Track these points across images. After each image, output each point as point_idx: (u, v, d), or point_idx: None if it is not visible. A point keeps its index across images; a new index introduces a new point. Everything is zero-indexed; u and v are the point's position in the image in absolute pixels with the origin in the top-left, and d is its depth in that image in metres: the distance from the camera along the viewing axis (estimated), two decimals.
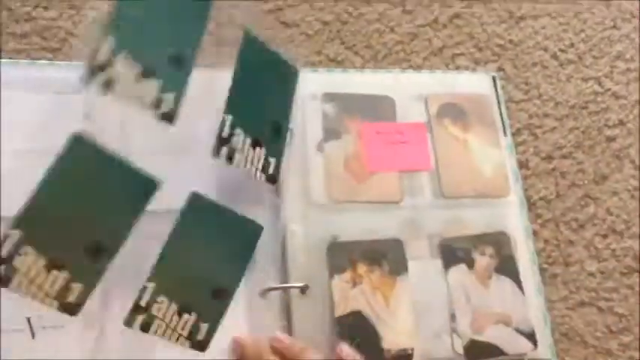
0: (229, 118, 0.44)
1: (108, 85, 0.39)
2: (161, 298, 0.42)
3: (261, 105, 0.47)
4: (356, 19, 0.60)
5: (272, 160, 0.47)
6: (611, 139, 0.61)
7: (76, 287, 0.40)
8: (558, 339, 0.53)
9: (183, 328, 0.42)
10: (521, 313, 0.51)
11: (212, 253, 0.44)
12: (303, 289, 0.47)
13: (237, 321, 0.45)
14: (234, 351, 0.45)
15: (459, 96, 0.57)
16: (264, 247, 0.48)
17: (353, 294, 0.48)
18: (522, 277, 0.52)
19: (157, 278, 0.42)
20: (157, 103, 0.41)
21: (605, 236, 0.58)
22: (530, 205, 0.57)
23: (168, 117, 0.41)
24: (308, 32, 0.58)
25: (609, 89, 0.63)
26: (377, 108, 0.55)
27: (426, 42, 0.61)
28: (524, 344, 0.51)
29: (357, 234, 0.50)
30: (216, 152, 0.43)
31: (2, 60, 0.50)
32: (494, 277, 0.52)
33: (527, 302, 0.52)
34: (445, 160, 0.54)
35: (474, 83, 0.59)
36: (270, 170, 0.47)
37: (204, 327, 0.43)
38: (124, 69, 0.40)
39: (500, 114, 0.58)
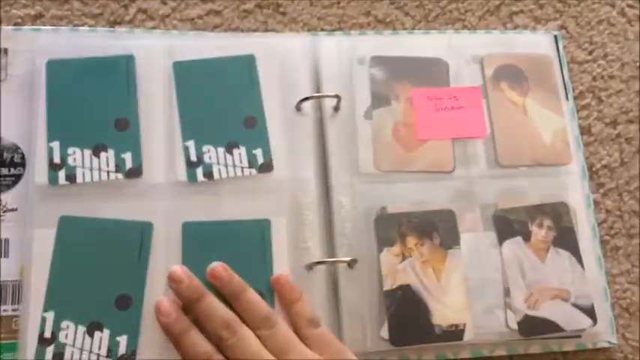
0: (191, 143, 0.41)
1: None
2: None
3: (218, 111, 0.42)
4: None
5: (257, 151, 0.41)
6: None
7: (122, 339, 0.37)
8: (619, 314, 0.46)
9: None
10: (580, 288, 0.44)
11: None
12: (351, 263, 0.42)
13: None
14: (170, 284, 0.38)
15: (518, 57, 0.48)
16: (310, 218, 0.42)
17: (402, 267, 0.42)
18: (582, 251, 0.45)
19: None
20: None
21: None
22: (592, 173, 0.49)
23: None
24: None
25: None
26: (428, 72, 0.47)
27: None
28: (583, 320, 0.43)
29: (407, 205, 0.44)
30: (193, 176, 0.40)
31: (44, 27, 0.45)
32: (551, 251, 0.45)
33: (586, 276, 0.44)
34: (502, 127, 0.46)
35: (533, 43, 0.50)
36: (260, 161, 0.41)
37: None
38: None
39: (562, 76, 0.49)
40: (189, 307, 0.38)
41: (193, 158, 0.41)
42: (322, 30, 0.49)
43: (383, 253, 0.42)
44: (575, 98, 0.50)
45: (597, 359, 0.45)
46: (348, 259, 0.42)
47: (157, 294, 0.39)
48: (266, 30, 0.48)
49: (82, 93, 0.41)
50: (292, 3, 0.49)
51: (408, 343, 0.41)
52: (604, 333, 0.45)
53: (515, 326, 0.43)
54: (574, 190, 0.47)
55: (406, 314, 0.42)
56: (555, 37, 0.50)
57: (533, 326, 0.43)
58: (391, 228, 0.43)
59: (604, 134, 0.50)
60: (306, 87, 0.45)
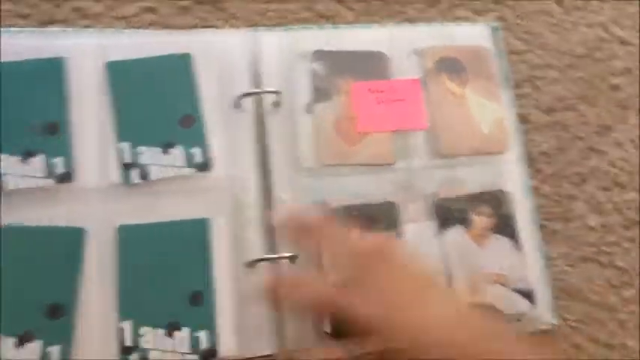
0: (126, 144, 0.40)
1: None
2: None
3: (153, 111, 0.41)
4: None
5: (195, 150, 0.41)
6: (616, 88, 0.52)
7: (54, 349, 0.36)
8: (558, 296, 0.47)
9: (182, 346, 0.37)
10: (519, 272, 0.45)
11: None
12: (293, 259, 0.41)
13: (223, 294, 0.39)
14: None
15: (457, 49, 0.48)
16: (251, 215, 0.42)
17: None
18: (521, 236, 0.45)
19: None
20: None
21: (607, 189, 0.50)
22: (531, 160, 0.49)
23: None
24: None
25: (616, 35, 0.54)
26: (369, 65, 0.46)
27: None
28: (522, 303, 0.44)
29: (349, 199, 0.43)
30: (127, 178, 0.39)
31: None
32: (491, 237, 0.45)
33: (525, 261, 0.45)
34: (441, 118, 0.46)
35: (472, 35, 0.50)
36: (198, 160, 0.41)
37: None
38: None
39: (501, 67, 0.50)
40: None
41: (128, 160, 0.40)
42: (263, 25, 0.48)
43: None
44: (513, 87, 0.50)
45: (537, 340, 0.46)
46: (288, 254, 0.41)
47: (91, 302, 0.38)
48: (205, 27, 0.47)
49: (10, 97, 0.39)
50: None
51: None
52: (544, 315, 0.46)
53: None
54: (512, 178, 0.47)
55: None
56: (494, 28, 0.50)
57: None
58: None
59: (541, 121, 0.51)
60: (245, 83, 0.44)
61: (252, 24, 0.47)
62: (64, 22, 0.45)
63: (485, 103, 0.48)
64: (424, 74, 0.47)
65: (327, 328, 0.41)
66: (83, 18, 0.45)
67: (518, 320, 0.45)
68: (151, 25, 0.46)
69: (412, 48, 0.48)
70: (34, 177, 0.38)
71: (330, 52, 0.46)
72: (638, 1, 0.55)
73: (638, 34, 0.54)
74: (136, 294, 0.38)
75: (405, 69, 0.47)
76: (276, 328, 0.41)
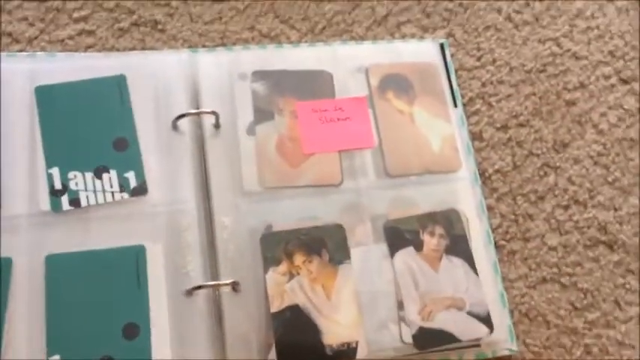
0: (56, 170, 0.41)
1: None
2: None
3: (85, 135, 0.42)
4: None
5: (129, 174, 0.42)
6: (571, 104, 0.54)
7: None
8: (518, 320, 0.47)
9: None
10: (475, 295, 0.45)
11: None
12: (235, 287, 0.42)
13: (160, 325, 0.40)
14: None
15: (403, 66, 0.50)
16: (190, 241, 0.43)
17: (289, 287, 0.43)
18: (476, 257, 0.46)
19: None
20: None
21: (566, 207, 0.52)
22: (485, 179, 0.51)
23: None
24: (238, 7, 0.51)
25: (569, 50, 0.56)
26: (313, 84, 0.48)
27: (369, 10, 0.54)
28: (480, 328, 0.45)
29: (294, 222, 0.44)
30: (57, 205, 0.40)
31: None
32: (444, 259, 0.46)
33: (481, 283, 0.46)
34: (389, 137, 0.48)
35: (419, 52, 0.52)
36: (133, 184, 0.42)
37: None
38: None
39: (450, 83, 0.51)
40: None
41: (58, 186, 0.41)
42: (204, 47, 0.50)
43: (269, 274, 0.43)
44: (465, 104, 0.52)
45: None
46: (229, 281, 0.42)
47: (18, 335, 0.38)
48: (143, 48, 0.49)
49: None
50: (171, 20, 0.50)
51: None
52: (503, 340, 0.46)
53: (410, 340, 0.43)
54: (465, 197, 0.49)
55: (295, 336, 0.42)
56: (441, 45, 0.53)
57: (428, 339, 0.44)
58: (277, 247, 0.44)
59: (495, 139, 0.53)
60: (183, 105, 0.45)
61: (193, 45, 0.49)
62: None
63: (434, 120, 0.50)
64: (370, 92, 0.49)
65: (274, 358, 0.42)
66: (15, 43, 0.47)
67: (478, 346, 0.46)
68: (89, 47, 0.48)
69: (357, 66, 0.50)
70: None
71: (270, 72, 0.48)
72: (589, 15, 0.58)
73: (590, 49, 0.57)
74: (65, 327, 0.39)
75: (351, 87, 0.49)
76: (217, 359, 0.42)
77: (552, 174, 0.52)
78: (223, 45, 0.50)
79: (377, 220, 0.46)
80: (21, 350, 0.38)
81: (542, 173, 0.52)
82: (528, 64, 0.55)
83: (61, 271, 0.39)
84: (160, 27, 0.49)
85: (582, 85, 0.55)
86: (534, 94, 0.54)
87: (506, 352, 0.46)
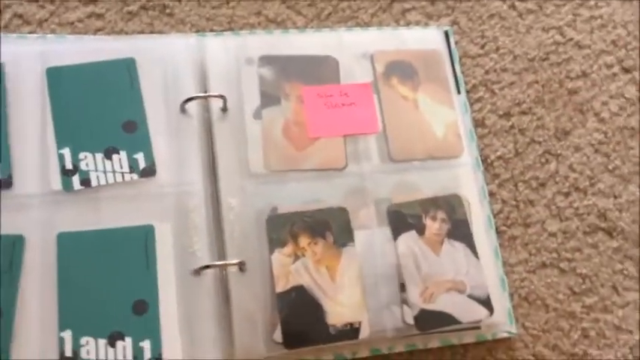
0: (67, 150, 0.42)
1: None
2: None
3: (95, 117, 0.43)
4: None
5: (139, 156, 0.43)
6: (573, 92, 0.56)
7: None
8: (518, 303, 0.49)
9: (124, 356, 0.39)
10: (476, 278, 0.47)
11: None
12: (241, 267, 0.44)
13: (168, 302, 0.41)
14: None
15: (408, 52, 0.52)
16: (197, 222, 0.44)
17: (294, 268, 0.44)
18: (477, 241, 0.48)
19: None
20: None
21: (567, 194, 0.53)
22: (488, 165, 0.52)
23: None
24: None
25: (572, 39, 0.57)
26: (318, 69, 0.50)
27: None
28: (479, 311, 0.46)
29: (299, 205, 0.46)
30: (68, 185, 0.41)
31: None
32: (446, 243, 0.47)
33: (482, 267, 0.47)
34: (393, 122, 0.49)
35: (424, 39, 0.53)
36: (142, 165, 0.43)
37: (146, 345, 0.39)
38: None
39: (454, 70, 0.53)
40: None
41: (69, 166, 0.42)
42: (211, 31, 0.51)
43: (274, 255, 0.44)
44: (468, 92, 0.54)
45: (498, 349, 0.48)
46: (235, 261, 0.43)
47: (30, 310, 0.39)
48: (152, 32, 0.50)
49: None
50: (179, 4, 0.51)
51: (302, 346, 0.43)
52: (502, 323, 0.48)
53: (411, 321, 0.45)
54: (467, 182, 0.50)
55: (300, 316, 0.44)
56: (446, 32, 0.54)
57: (429, 320, 0.45)
58: (283, 228, 0.45)
59: (498, 126, 0.54)
60: (191, 88, 0.47)
61: (200, 29, 0.51)
62: (6, 28, 0.48)
63: (437, 107, 0.51)
64: (375, 78, 0.50)
65: (278, 338, 0.44)
66: (26, 24, 0.48)
67: (478, 328, 0.47)
68: (98, 31, 0.49)
69: (362, 52, 0.51)
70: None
71: (277, 57, 0.49)
72: (592, 5, 0.59)
73: (593, 38, 0.58)
74: (77, 302, 0.40)
75: (356, 73, 0.50)
76: (223, 337, 0.43)
77: (554, 161, 0.54)
78: (230, 29, 0.51)
79: (380, 204, 0.47)
80: (33, 325, 0.40)
81: (543, 160, 0.54)
82: (531, 53, 0.56)
83: (73, 249, 0.41)
84: (168, 11, 0.50)
85: (584, 74, 0.56)
86: (537, 82, 0.55)
87: (506, 335, 0.48)
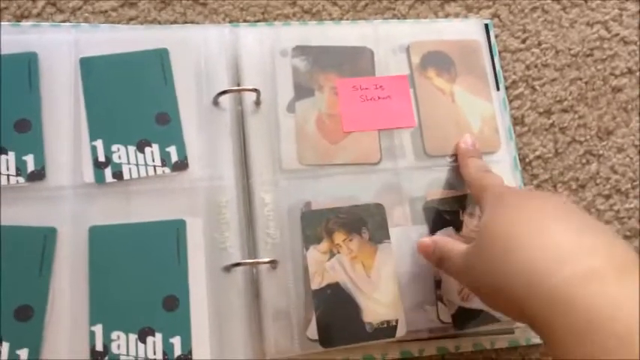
0: (99, 142, 0.42)
1: None
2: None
3: (128, 109, 0.43)
4: None
5: (171, 149, 0.43)
6: (617, 90, 0.55)
7: (23, 352, 0.39)
8: None
9: (155, 353, 0.39)
10: None
11: None
12: (273, 264, 0.44)
13: (199, 299, 0.41)
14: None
15: (445, 43, 0.51)
16: (228, 218, 0.44)
17: (330, 265, 0.44)
18: None
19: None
20: None
21: (607, 197, 0.52)
22: (526, 164, 0.52)
23: None
24: None
25: (617, 34, 0.56)
26: (353, 61, 0.49)
27: None
28: None
29: (334, 201, 0.46)
30: (100, 177, 0.42)
31: None
32: None
33: None
34: (429, 116, 0.49)
35: (463, 31, 0.52)
36: (174, 159, 0.43)
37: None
38: None
39: (493, 64, 0.52)
40: None
41: (101, 158, 0.42)
42: (245, 21, 0.51)
43: (309, 251, 0.44)
44: (507, 87, 0.53)
45: (530, 356, 0.48)
46: (267, 259, 0.43)
47: (61, 304, 0.40)
48: (185, 22, 0.50)
49: None
50: None
51: (338, 344, 0.43)
52: None
53: (448, 319, 0.45)
54: (505, 177, 0.48)
55: (336, 313, 0.43)
56: (486, 25, 0.53)
57: (467, 318, 0.45)
58: (318, 225, 0.45)
59: (537, 124, 0.53)
60: (224, 81, 0.47)
61: (234, 19, 0.50)
62: (39, 16, 0.48)
63: (474, 100, 0.50)
64: (411, 70, 0.50)
65: (312, 335, 0.44)
66: (59, 13, 0.48)
67: (511, 332, 0.46)
68: (131, 19, 0.49)
69: (398, 44, 0.50)
70: (4, 175, 0.41)
71: (311, 48, 0.49)
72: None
73: None
74: (108, 297, 0.41)
75: (391, 66, 0.50)
76: (254, 335, 0.43)
77: (595, 162, 0.53)
78: (264, 20, 0.51)
79: (415, 201, 0.47)
80: (64, 318, 0.40)
81: (584, 161, 0.53)
82: (575, 48, 0.55)
83: (104, 242, 0.41)
84: (201, 0, 0.50)
85: (630, 71, 0.55)
86: (580, 79, 0.55)
87: (539, 341, 0.47)
